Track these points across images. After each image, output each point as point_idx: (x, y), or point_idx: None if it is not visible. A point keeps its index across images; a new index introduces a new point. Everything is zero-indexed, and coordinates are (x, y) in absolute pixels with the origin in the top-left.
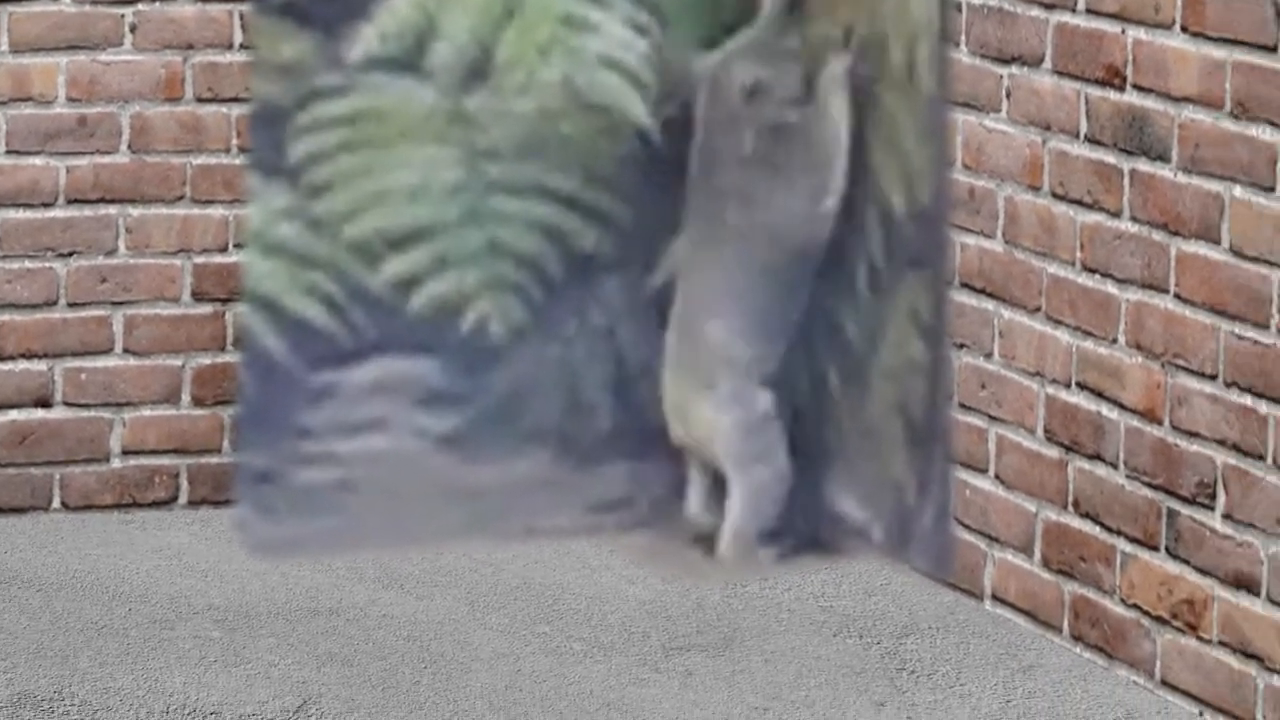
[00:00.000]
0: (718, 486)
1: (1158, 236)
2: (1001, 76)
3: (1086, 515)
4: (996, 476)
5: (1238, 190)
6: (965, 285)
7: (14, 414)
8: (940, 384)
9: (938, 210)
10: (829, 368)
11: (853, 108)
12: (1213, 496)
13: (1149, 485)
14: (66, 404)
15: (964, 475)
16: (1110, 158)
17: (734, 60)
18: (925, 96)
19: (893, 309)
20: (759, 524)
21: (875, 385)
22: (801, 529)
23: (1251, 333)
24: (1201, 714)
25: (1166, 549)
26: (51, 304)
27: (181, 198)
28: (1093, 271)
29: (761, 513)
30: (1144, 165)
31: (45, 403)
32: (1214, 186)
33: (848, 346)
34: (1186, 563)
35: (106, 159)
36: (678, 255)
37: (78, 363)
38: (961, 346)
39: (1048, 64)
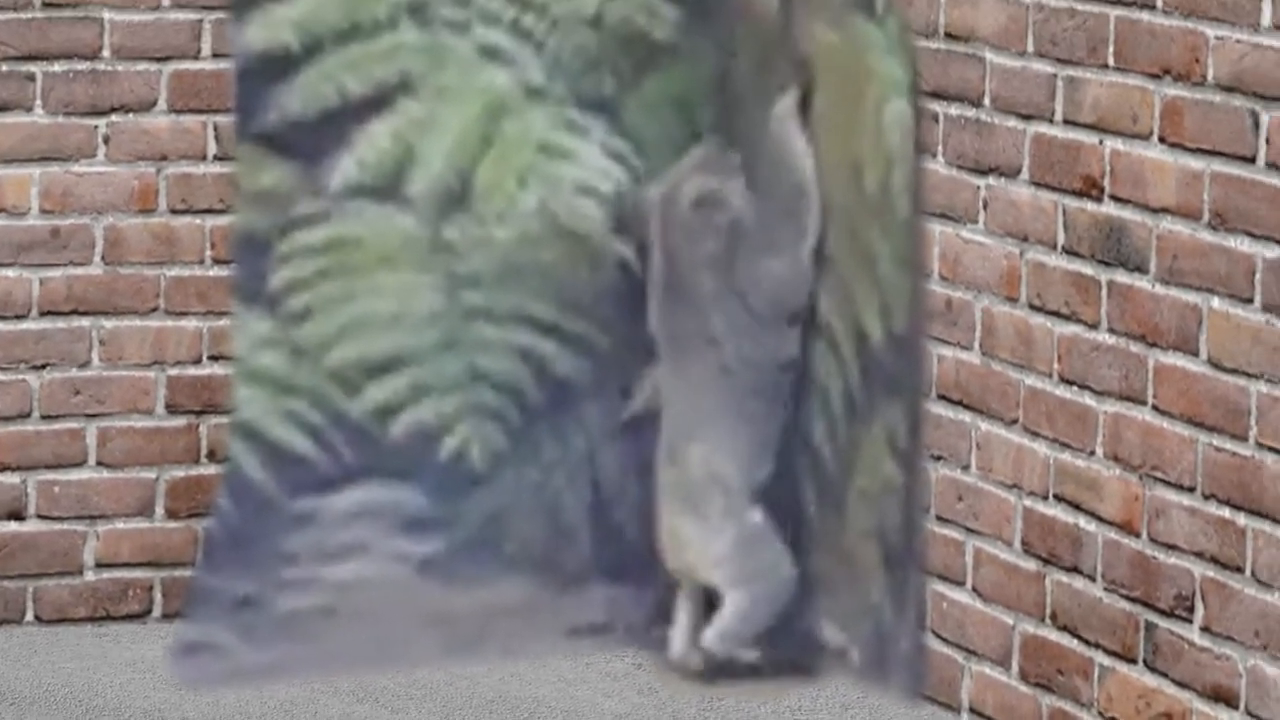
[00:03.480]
0: (706, 621)
1: (1135, 348)
2: (978, 187)
3: (1064, 628)
4: (973, 589)
5: (1216, 301)
6: (942, 397)
7: None
8: (915, 507)
9: (914, 334)
10: (807, 492)
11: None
12: (1191, 609)
13: (1127, 598)
14: (39, 516)
15: (941, 587)
16: (1088, 269)
17: (681, 179)
18: (901, 220)
19: (868, 434)
20: (751, 630)
21: (851, 509)
22: (782, 651)
23: (1230, 445)
24: None
25: (1145, 662)
26: (25, 416)
27: (155, 309)
28: (1070, 383)
29: (754, 621)
30: (1122, 276)
31: (18, 515)
32: (1192, 298)
33: (824, 471)
34: (1165, 675)
35: (80, 270)
36: (656, 384)
37: (51, 475)
38: (938, 458)
39: (1025, 174)
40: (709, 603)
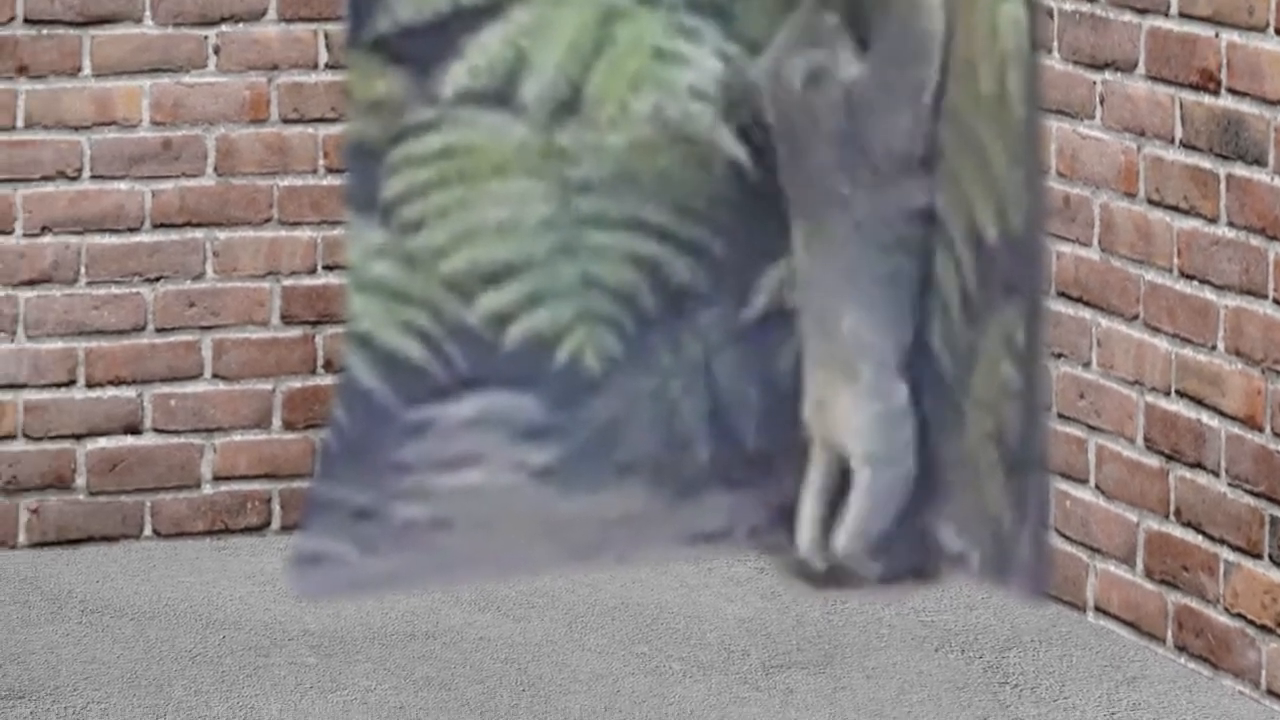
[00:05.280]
0: (832, 512)
1: (1255, 241)
2: (1095, 83)
3: (1189, 524)
4: (1097, 487)
5: None
6: (1062, 294)
7: (103, 441)
8: (1036, 408)
9: (1032, 234)
10: (925, 396)
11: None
12: None
13: (1251, 493)
14: (156, 430)
15: (1064, 486)
16: (1206, 163)
17: (784, 55)
18: (1017, 119)
19: (986, 335)
20: (878, 525)
21: (970, 413)
22: (902, 557)
23: None
24: None
25: (1270, 557)
26: (139, 329)
27: (269, 220)
28: (1190, 278)
29: (882, 513)
30: (1240, 169)
31: (135, 429)
32: None
33: (943, 375)
34: None
35: (192, 182)
36: (782, 280)
37: (167, 389)
38: (1059, 356)
39: (1141, 69)
40: (832, 499)
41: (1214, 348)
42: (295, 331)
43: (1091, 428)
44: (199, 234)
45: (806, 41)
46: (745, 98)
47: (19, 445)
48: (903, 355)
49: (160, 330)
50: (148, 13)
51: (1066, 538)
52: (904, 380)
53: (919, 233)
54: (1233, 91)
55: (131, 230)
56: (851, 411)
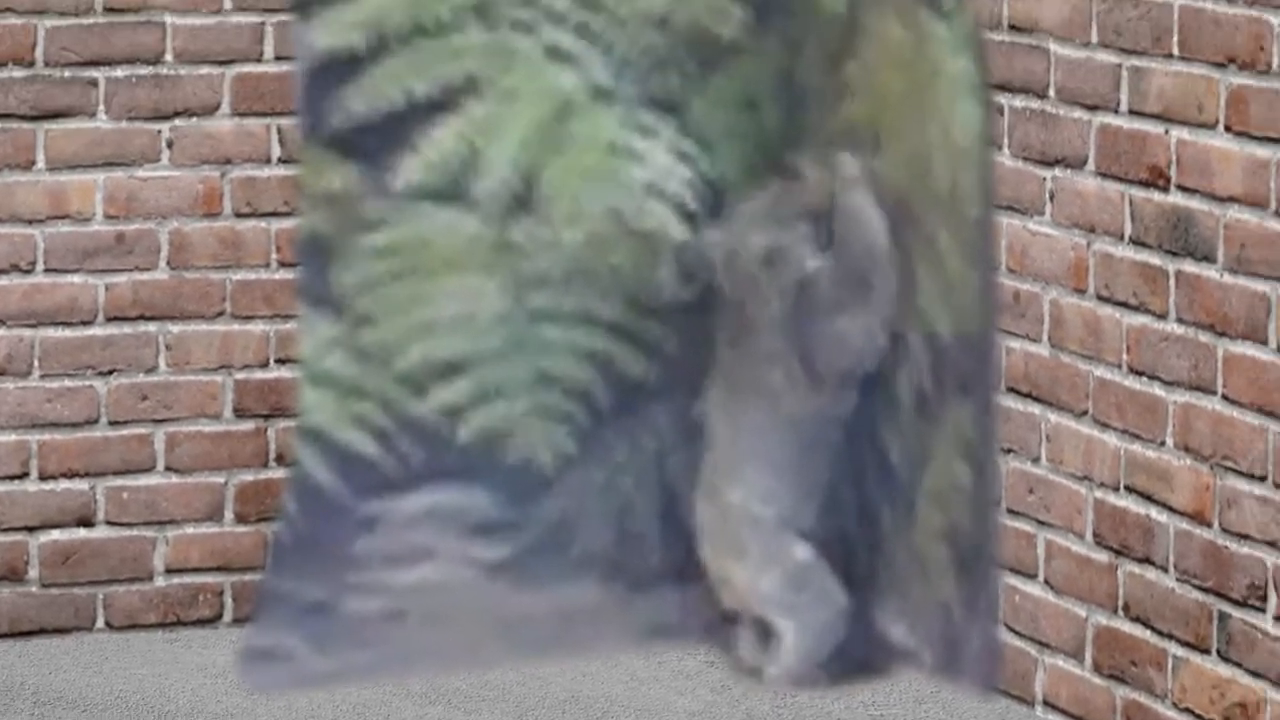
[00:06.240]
0: (769, 635)
1: (1204, 337)
2: (1045, 179)
3: (1137, 619)
4: (1046, 581)
5: None
6: (1011, 389)
7: (56, 534)
8: (987, 505)
9: (984, 332)
10: (876, 493)
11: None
12: (1264, 598)
13: (1200, 588)
14: (109, 523)
15: (1013, 581)
16: (1155, 259)
17: (745, 230)
18: (970, 220)
19: (938, 433)
20: (810, 662)
21: (921, 510)
22: (852, 654)
23: None
24: None
25: (1218, 652)
26: (92, 422)
27: (221, 314)
28: (1139, 374)
29: (813, 652)
30: (1189, 266)
31: (87, 522)
32: (1260, 286)
33: (894, 472)
34: (1239, 665)
35: (145, 276)
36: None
37: (120, 481)
38: (1009, 451)
39: (1091, 165)
40: (768, 633)
41: (1163, 443)
42: (248, 425)
43: (1040, 523)
44: (152, 327)
45: (769, 221)
46: (699, 267)
47: None
48: (803, 519)
49: (113, 423)
50: (101, 107)
51: (1015, 632)
52: (802, 541)
53: (839, 435)
54: (1182, 188)
55: (85, 323)
56: (751, 583)
